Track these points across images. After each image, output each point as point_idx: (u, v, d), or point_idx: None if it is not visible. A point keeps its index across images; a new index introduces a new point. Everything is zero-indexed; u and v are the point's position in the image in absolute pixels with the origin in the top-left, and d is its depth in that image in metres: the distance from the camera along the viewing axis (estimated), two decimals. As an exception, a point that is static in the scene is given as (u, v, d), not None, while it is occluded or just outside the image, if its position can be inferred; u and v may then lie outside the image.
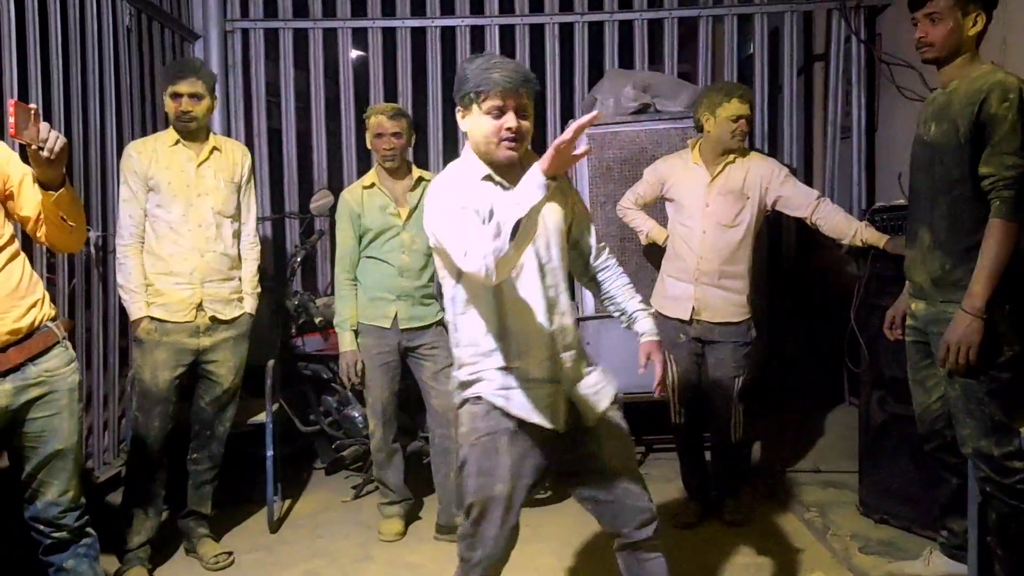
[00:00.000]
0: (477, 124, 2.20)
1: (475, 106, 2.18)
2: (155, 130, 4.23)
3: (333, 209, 3.92)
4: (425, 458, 3.93)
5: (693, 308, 3.59)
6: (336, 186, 4.57)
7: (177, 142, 3.37)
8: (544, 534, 3.68)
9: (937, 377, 2.79)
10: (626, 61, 5.31)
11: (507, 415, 2.25)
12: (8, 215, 2.41)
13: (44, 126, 2.21)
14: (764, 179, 3.61)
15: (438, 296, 4.02)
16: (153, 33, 4.56)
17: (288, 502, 4.12)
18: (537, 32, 5.29)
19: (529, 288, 2.24)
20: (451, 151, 5.32)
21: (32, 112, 2.18)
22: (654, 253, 4.01)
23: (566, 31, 5.29)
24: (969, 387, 2.64)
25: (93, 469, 3.84)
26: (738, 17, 5.30)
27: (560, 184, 2.22)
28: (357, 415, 4.19)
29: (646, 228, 3.93)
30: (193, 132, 3.38)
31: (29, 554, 2.55)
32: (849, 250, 3.69)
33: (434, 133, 5.33)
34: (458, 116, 2.26)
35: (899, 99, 4.90)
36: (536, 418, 2.24)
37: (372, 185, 3.68)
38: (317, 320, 4.23)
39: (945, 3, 2.63)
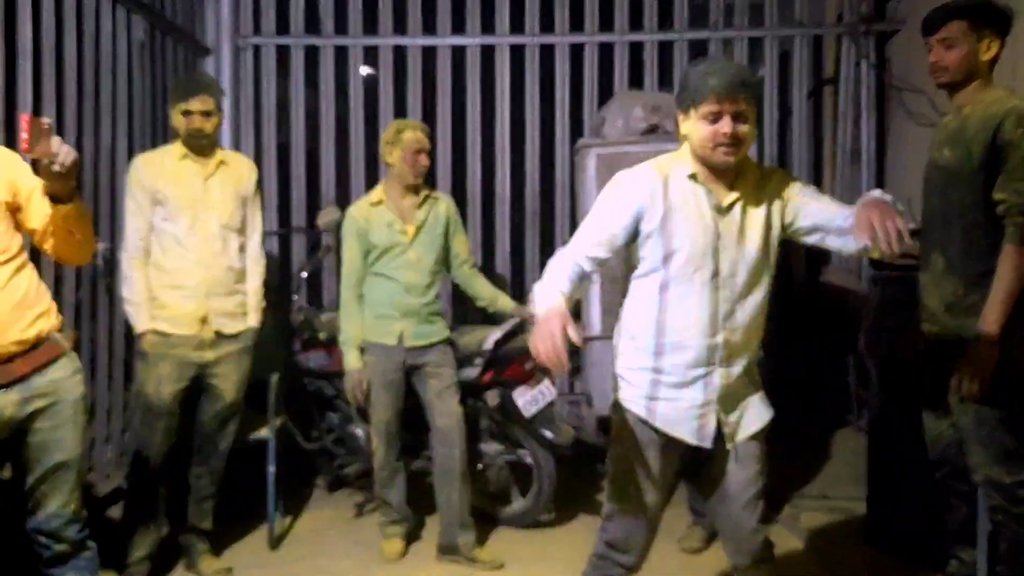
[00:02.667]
0: (694, 129, 2.19)
1: (692, 111, 2.17)
2: (165, 143, 4.24)
3: (340, 225, 3.92)
4: (428, 477, 3.91)
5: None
6: (343, 202, 4.57)
7: (185, 156, 3.37)
8: (551, 555, 3.64)
9: (950, 403, 2.77)
10: (636, 82, 5.32)
11: (651, 427, 2.28)
12: (17, 227, 2.41)
13: (56, 140, 2.21)
14: None
15: (444, 314, 4.01)
16: (166, 48, 4.59)
17: (289, 519, 4.09)
18: (547, 52, 5.31)
19: (696, 292, 2.22)
20: (459, 170, 5.34)
21: (45, 127, 2.18)
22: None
23: (576, 52, 5.30)
24: (982, 414, 2.61)
25: (95, 483, 3.82)
26: (748, 40, 5.31)
27: (766, 185, 2.25)
28: (360, 432, 4.16)
29: None
30: (203, 147, 3.38)
31: (29, 565, 2.54)
32: (859, 271, 3.68)
33: (443, 152, 5.33)
34: (679, 119, 2.25)
35: (909, 124, 4.90)
36: (679, 432, 2.27)
37: (380, 202, 3.67)
38: (322, 336, 4.22)
39: (959, 28, 2.63)
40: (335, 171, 5.39)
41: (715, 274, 2.20)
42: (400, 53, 5.36)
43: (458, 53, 5.32)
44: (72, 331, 3.05)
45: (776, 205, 2.27)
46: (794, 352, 5.29)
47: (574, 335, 2.03)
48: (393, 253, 3.63)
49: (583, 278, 2.27)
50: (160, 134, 4.44)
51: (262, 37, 5.30)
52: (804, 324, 5.35)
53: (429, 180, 4.49)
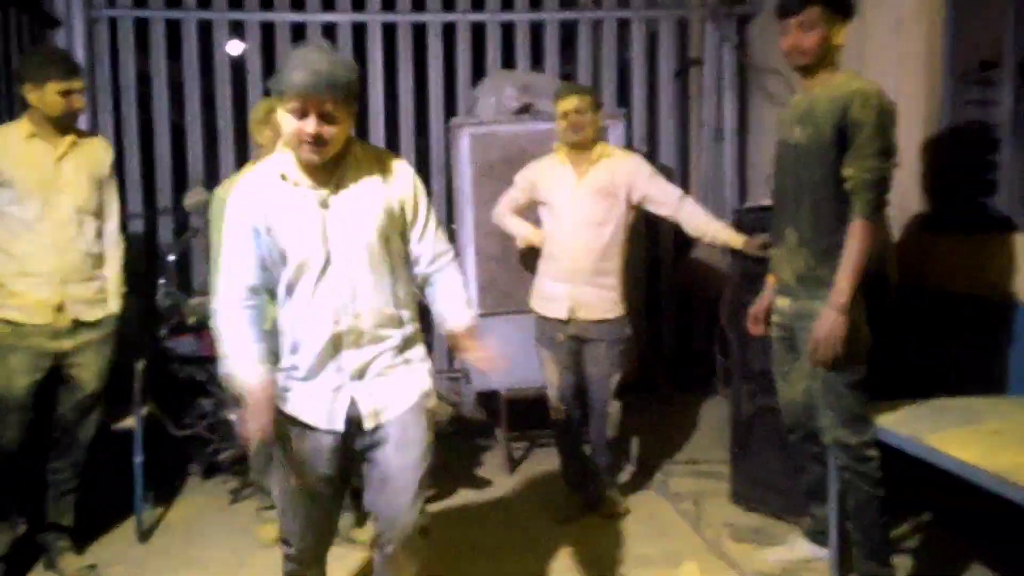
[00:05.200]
0: (283, 120, 2.14)
1: (280, 101, 2.12)
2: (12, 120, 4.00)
3: (208, 206, 3.79)
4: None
5: (569, 307, 3.64)
6: (212, 182, 4.43)
7: (33, 135, 3.18)
8: (430, 530, 3.65)
9: (801, 370, 2.93)
10: (509, 62, 5.35)
11: (286, 416, 2.28)
12: None
13: None
14: (630, 176, 3.70)
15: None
16: (9, 19, 4.30)
17: (160, 509, 3.96)
18: (420, 31, 5.27)
19: (313, 287, 2.21)
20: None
21: None
22: (532, 256, 4.01)
23: (449, 31, 5.28)
24: (831, 380, 2.77)
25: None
26: (617, 21, 5.41)
27: (382, 169, 2.27)
28: (234, 418, 4.06)
29: (522, 232, 3.93)
30: (65, 127, 3.22)
31: None
32: (724, 248, 3.83)
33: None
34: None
35: (767, 104, 5.11)
36: (308, 418, 2.26)
37: (249, 182, 3.56)
38: (191, 320, 4.09)
39: (816, 13, 2.74)
40: (202, 150, 5.21)
41: (327, 265, 2.19)
42: (268, 29, 5.21)
43: (329, 31, 5.21)
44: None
45: (396, 193, 2.28)
46: (662, 326, 5.49)
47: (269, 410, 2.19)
48: (265, 235, 3.54)
49: (259, 316, 2.29)
50: (6, 111, 4.18)
51: (117, 9, 5.05)
52: (672, 299, 5.55)
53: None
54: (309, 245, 2.19)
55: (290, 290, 2.24)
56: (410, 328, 2.33)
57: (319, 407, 2.26)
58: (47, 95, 3.14)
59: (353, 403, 2.25)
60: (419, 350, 2.37)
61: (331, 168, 2.22)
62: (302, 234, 2.19)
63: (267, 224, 2.20)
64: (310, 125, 2.09)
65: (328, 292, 2.21)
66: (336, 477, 2.34)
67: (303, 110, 2.09)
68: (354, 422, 2.26)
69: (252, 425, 2.17)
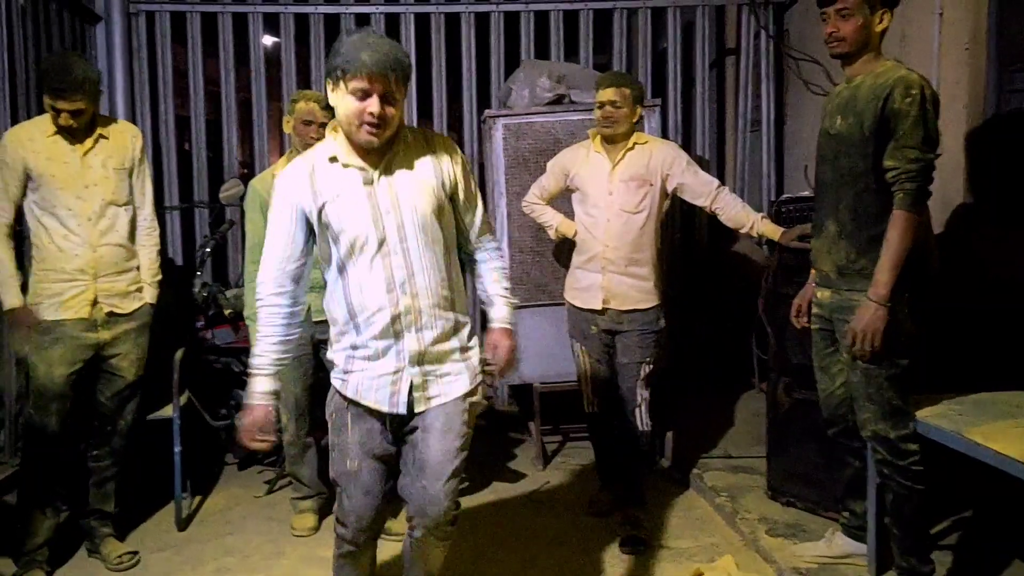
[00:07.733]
0: (342, 102, 2.16)
1: (342, 83, 2.14)
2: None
3: (243, 198, 3.82)
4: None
5: (603, 298, 3.60)
6: (247, 174, 4.47)
7: (56, 132, 3.16)
8: (465, 522, 3.65)
9: (841, 363, 2.88)
10: (543, 52, 5.32)
11: (345, 397, 2.33)
12: None
13: None
14: (665, 165, 3.65)
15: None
16: (50, 14, 4.37)
17: (198, 499, 4.01)
18: (453, 21, 5.27)
19: (368, 267, 2.23)
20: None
21: None
22: (567, 249, 3.96)
23: (482, 21, 5.27)
24: (871, 373, 2.72)
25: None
26: (652, 10, 5.36)
27: (429, 149, 2.31)
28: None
29: (555, 222, 3.90)
30: (74, 131, 3.18)
31: None
32: (759, 240, 3.78)
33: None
34: (327, 89, 2.22)
35: (806, 93, 5.03)
36: (370, 400, 2.29)
37: (284, 174, 3.59)
38: (227, 312, 4.13)
39: (856, 1, 2.70)
40: (238, 142, 5.26)
41: (381, 244, 2.22)
42: (303, 21, 5.23)
43: (362, 21, 5.22)
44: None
45: (445, 170, 2.32)
46: (698, 317, 5.44)
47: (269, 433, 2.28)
48: (299, 226, 3.56)
49: (293, 312, 2.32)
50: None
51: (155, 3, 5.10)
52: (708, 290, 5.50)
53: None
54: (362, 224, 2.21)
55: (342, 270, 2.26)
56: (463, 314, 2.37)
57: (382, 390, 2.28)
58: (45, 103, 3.13)
59: (411, 387, 2.28)
60: (472, 338, 2.41)
61: (382, 150, 2.24)
62: (355, 214, 2.22)
63: (318, 206, 2.23)
64: (374, 105, 2.12)
65: (385, 271, 2.23)
66: (391, 456, 2.37)
67: (367, 91, 2.11)
68: (409, 405, 2.29)
69: (246, 437, 2.27)
